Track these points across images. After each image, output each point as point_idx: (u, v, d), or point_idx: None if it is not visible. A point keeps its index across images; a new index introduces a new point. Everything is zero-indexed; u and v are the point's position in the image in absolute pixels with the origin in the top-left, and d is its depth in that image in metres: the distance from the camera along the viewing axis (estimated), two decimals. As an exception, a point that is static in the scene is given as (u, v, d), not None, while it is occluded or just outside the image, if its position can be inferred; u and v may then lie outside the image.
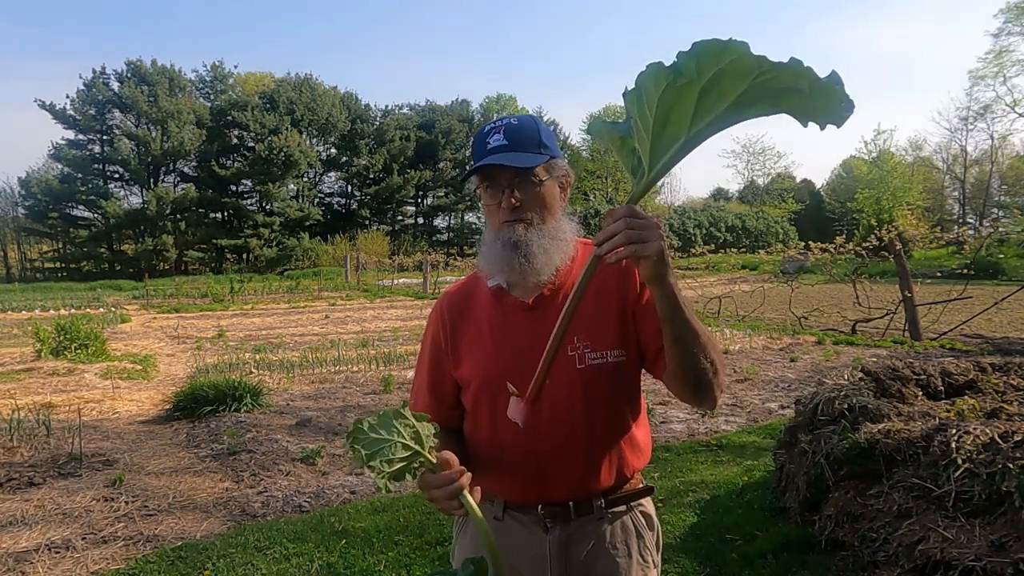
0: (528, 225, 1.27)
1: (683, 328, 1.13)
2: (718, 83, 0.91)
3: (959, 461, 2.62)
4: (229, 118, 40.60)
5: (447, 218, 52.03)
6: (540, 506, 1.31)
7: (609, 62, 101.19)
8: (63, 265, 38.85)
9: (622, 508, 1.35)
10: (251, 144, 41.08)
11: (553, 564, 1.31)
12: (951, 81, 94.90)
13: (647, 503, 1.41)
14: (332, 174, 48.13)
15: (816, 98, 0.90)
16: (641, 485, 1.40)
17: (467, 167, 1.34)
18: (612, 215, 1.04)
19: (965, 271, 12.54)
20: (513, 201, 1.26)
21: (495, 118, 1.38)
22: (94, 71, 38.51)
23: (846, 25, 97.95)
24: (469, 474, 1.10)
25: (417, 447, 1.07)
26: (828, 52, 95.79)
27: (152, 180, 40.06)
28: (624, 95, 1.01)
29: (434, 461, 1.09)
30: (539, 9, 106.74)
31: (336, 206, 48.44)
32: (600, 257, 1.05)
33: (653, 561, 1.37)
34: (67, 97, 43.21)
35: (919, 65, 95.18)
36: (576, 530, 1.31)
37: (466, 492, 1.08)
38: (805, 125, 0.95)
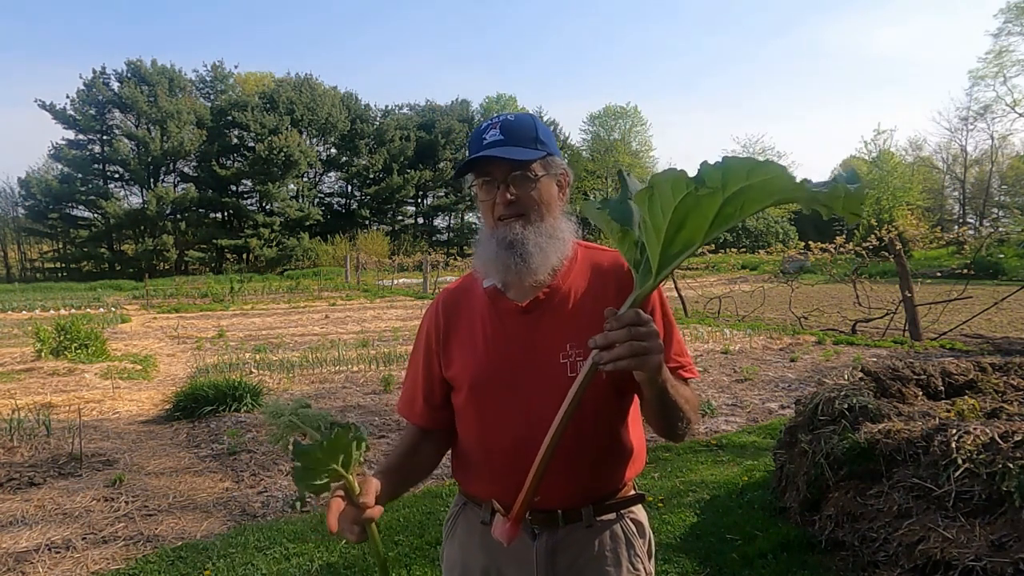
0: (526, 223, 1.24)
1: (666, 407, 1.16)
2: (743, 195, 0.87)
3: (959, 461, 2.62)
4: (229, 118, 40.61)
5: (447, 218, 52.08)
6: (528, 512, 1.28)
7: (610, 62, 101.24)
8: (63, 265, 38.86)
9: (612, 516, 1.32)
10: (251, 144, 41.11)
11: (540, 571, 1.28)
12: (951, 81, 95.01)
13: (638, 510, 1.37)
14: (332, 174, 48.17)
15: (845, 205, 0.86)
16: (632, 492, 1.37)
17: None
18: (617, 320, 1.00)
19: (965, 271, 12.52)
20: (508, 196, 1.23)
21: (483, 120, 1.36)
22: (94, 71, 38.58)
23: (846, 24, 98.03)
24: (380, 508, 1.08)
25: (343, 469, 1.02)
26: (828, 51, 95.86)
27: (152, 180, 40.08)
28: (632, 195, 0.99)
29: (355, 486, 1.05)
30: (540, 9, 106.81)
31: (336, 206, 48.47)
32: (598, 364, 1.02)
33: (645, 569, 1.34)
34: (67, 97, 43.38)
35: (919, 65, 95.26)
36: (564, 537, 1.28)
37: (373, 525, 1.06)
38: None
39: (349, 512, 1.05)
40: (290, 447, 0.99)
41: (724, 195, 0.87)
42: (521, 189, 1.24)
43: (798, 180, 0.83)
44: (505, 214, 1.24)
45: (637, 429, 1.37)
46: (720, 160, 0.86)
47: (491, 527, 1.14)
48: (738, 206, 0.88)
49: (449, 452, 1.44)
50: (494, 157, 1.22)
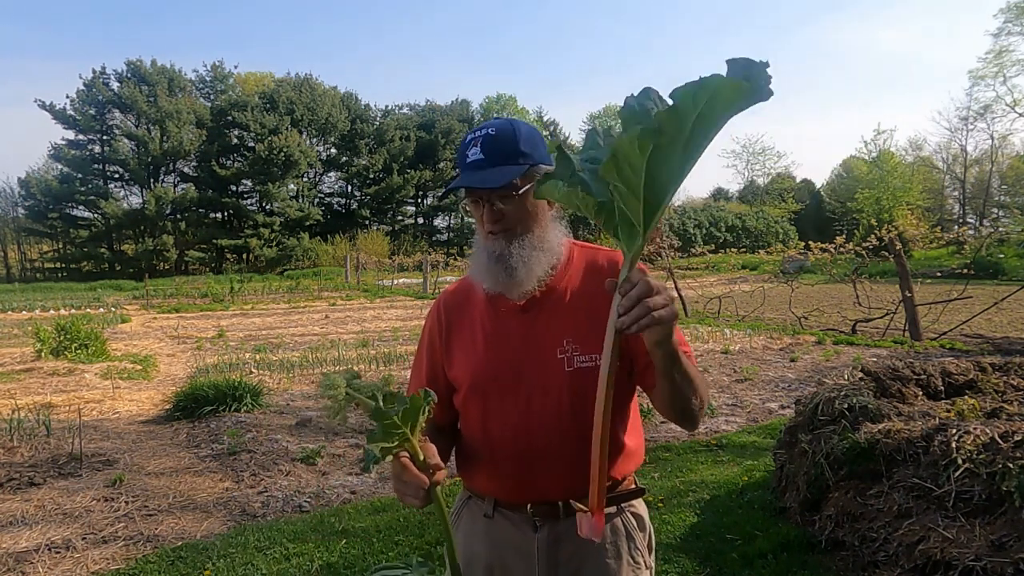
0: (511, 237, 1.27)
1: (680, 377, 1.15)
2: (701, 123, 0.86)
3: (959, 461, 2.62)
4: (229, 118, 40.60)
5: (447, 218, 52.05)
6: (529, 505, 1.31)
7: (610, 62, 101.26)
8: (63, 265, 38.85)
9: (612, 509, 1.35)
10: (251, 144, 41.09)
11: (541, 563, 1.31)
12: (951, 81, 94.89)
13: (639, 504, 1.40)
14: (332, 174, 48.15)
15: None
16: (632, 487, 1.40)
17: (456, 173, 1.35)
18: (629, 282, 1.01)
19: (965, 271, 12.52)
20: (493, 214, 1.27)
21: (483, 121, 1.37)
22: (94, 71, 38.55)
23: (846, 24, 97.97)
24: (445, 471, 1.09)
25: (411, 433, 1.02)
26: (828, 51, 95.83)
27: (152, 180, 40.07)
28: (598, 170, 0.97)
29: (419, 451, 1.05)
30: (539, 9, 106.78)
31: (336, 206, 48.45)
32: (621, 331, 1.02)
33: (645, 563, 1.37)
34: (67, 97, 43.33)
35: (919, 65, 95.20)
36: (565, 529, 1.31)
37: (438, 489, 1.06)
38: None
39: (413, 477, 1.05)
40: (374, 405, 0.98)
41: (684, 135, 0.87)
42: (507, 204, 1.27)
43: (735, 80, 0.81)
44: (493, 229, 1.28)
45: (636, 426, 1.40)
46: (669, 97, 0.85)
47: (578, 526, 1.12)
48: (703, 134, 0.88)
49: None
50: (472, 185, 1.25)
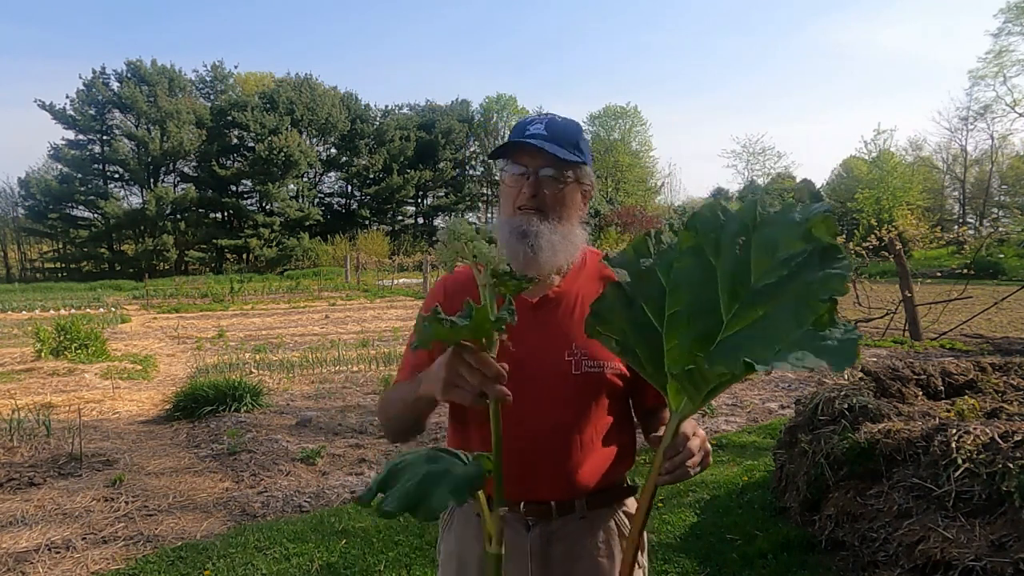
0: (543, 219, 1.25)
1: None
2: None
3: (959, 461, 2.62)
4: (229, 118, 40.58)
5: (447, 218, 51.96)
6: (522, 503, 1.31)
7: (610, 63, 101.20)
8: (63, 265, 38.84)
9: (605, 509, 1.35)
10: (251, 144, 41.08)
11: (534, 562, 1.30)
12: (951, 81, 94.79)
13: (631, 503, 1.40)
14: (332, 174, 48.14)
15: None
16: (626, 486, 1.40)
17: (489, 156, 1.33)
18: (674, 448, 1.04)
19: (965, 271, 12.50)
20: (535, 190, 1.24)
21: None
22: (94, 71, 38.55)
23: (847, 24, 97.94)
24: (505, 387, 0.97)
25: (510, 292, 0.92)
26: (829, 51, 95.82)
27: (152, 180, 40.07)
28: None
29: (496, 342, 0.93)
30: (539, 10, 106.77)
31: (336, 206, 48.45)
32: (658, 484, 1.02)
33: (638, 562, 1.36)
34: (67, 97, 43.35)
35: (919, 65, 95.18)
36: (558, 529, 1.31)
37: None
38: None
39: (483, 362, 0.93)
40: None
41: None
42: (548, 187, 1.25)
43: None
44: (526, 205, 1.25)
45: (629, 427, 1.40)
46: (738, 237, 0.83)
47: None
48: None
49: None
50: (535, 147, 1.23)
